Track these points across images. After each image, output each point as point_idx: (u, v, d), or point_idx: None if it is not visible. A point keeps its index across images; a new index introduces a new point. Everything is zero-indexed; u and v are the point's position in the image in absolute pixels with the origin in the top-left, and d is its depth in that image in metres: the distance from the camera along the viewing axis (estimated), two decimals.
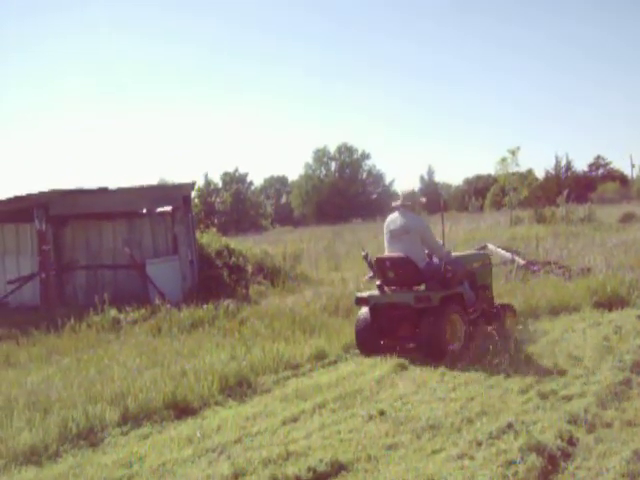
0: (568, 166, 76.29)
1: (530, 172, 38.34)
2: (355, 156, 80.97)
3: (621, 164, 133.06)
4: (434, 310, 7.83)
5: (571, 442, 4.76)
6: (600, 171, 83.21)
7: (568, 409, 5.44)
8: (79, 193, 14.11)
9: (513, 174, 33.80)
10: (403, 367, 7.50)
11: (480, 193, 70.29)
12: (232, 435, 5.60)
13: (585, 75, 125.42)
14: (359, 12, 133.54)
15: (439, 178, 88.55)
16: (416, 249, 8.29)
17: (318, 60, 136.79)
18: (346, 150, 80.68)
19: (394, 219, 8.57)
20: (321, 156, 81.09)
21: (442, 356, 7.61)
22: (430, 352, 7.79)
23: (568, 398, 5.83)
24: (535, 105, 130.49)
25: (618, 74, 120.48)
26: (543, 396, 5.91)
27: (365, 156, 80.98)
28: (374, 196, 79.92)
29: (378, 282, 8.66)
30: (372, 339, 8.52)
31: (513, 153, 33.84)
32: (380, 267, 8.51)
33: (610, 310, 10.17)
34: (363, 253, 9.39)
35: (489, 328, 8.22)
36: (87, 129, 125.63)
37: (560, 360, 7.15)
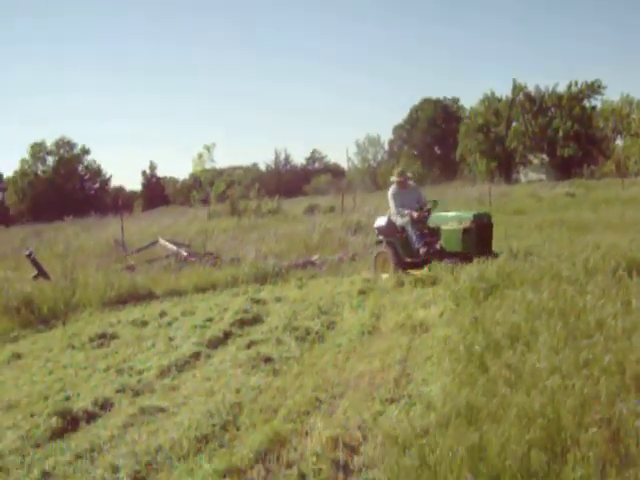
0: (287, 159, 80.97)
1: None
2: (75, 151, 77.94)
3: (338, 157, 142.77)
4: None
5: None
6: (316, 164, 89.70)
7: None
8: None
9: (208, 170, 34.92)
10: None
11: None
12: None
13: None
14: None
15: (167, 173, 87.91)
16: None
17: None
18: (65, 145, 77.24)
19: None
20: (38, 151, 76.61)
21: None
22: None
23: None
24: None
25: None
26: None
27: (85, 151, 78.31)
28: (92, 192, 78.08)
29: None
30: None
31: (208, 149, 34.82)
32: None
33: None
34: (27, 252, 9.91)
35: None
36: None
37: None
